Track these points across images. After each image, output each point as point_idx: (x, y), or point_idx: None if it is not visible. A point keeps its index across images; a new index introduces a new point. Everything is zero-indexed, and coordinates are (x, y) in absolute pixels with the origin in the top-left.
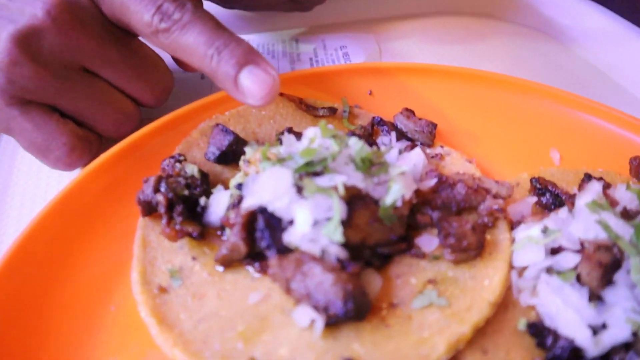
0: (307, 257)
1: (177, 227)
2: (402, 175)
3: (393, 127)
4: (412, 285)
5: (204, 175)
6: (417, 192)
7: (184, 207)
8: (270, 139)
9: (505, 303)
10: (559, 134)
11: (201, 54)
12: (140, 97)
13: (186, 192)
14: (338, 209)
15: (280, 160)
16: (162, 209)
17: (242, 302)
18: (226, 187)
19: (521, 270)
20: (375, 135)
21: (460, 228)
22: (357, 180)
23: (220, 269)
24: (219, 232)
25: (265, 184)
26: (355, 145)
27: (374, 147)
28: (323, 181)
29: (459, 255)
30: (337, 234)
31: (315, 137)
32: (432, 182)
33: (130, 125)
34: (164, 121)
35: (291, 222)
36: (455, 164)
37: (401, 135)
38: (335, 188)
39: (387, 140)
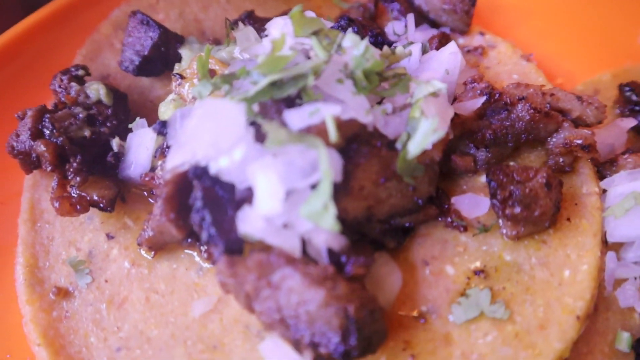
0: (278, 258)
1: (74, 193)
2: (433, 98)
3: (407, 2)
4: (448, 279)
5: (119, 99)
6: (455, 120)
7: (82, 159)
8: (222, 31)
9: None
10: None
11: None
12: None
13: (86, 133)
14: (328, 171)
15: (227, 80)
16: (46, 166)
17: (183, 313)
18: (154, 117)
19: (619, 249)
20: (381, 19)
21: (526, 184)
22: (359, 109)
23: (149, 255)
24: (145, 193)
25: (201, 127)
26: (356, 48)
27: (382, 49)
28: (299, 118)
29: (523, 228)
30: (329, 218)
31: (285, 37)
32: (479, 102)
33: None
34: (55, 8)
35: (249, 194)
36: (505, 63)
37: (420, 18)
38: (320, 130)
39: (399, 28)
